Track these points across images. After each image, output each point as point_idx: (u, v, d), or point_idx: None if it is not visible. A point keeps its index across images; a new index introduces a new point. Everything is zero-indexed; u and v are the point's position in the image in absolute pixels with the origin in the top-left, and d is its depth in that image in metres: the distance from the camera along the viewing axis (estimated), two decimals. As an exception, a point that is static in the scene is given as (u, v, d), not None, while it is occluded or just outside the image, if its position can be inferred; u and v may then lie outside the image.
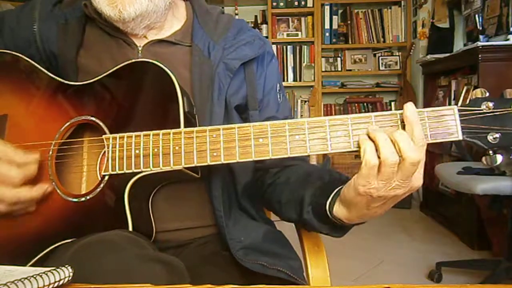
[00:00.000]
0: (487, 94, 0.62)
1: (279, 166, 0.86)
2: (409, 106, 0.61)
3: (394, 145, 0.58)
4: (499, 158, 0.61)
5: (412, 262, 2.47)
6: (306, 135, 0.64)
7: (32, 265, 0.71)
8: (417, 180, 0.61)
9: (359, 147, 0.61)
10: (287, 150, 0.64)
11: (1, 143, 0.70)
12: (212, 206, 0.80)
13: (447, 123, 0.62)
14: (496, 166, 0.62)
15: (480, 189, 1.84)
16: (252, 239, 0.81)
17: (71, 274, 0.47)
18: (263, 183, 0.87)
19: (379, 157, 0.58)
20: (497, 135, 0.61)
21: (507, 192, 1.83)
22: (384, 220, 3.18)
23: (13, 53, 0.81)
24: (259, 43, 0.86)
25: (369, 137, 0.60)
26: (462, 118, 0.61)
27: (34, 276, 0.43)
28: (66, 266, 0.47)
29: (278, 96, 0.90)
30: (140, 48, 0.83)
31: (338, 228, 0.72)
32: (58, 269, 0.46)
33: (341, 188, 0.67)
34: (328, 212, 0.68)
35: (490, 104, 0.61)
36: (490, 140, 0.61)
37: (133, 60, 0.75)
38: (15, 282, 0.41)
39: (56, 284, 0.45)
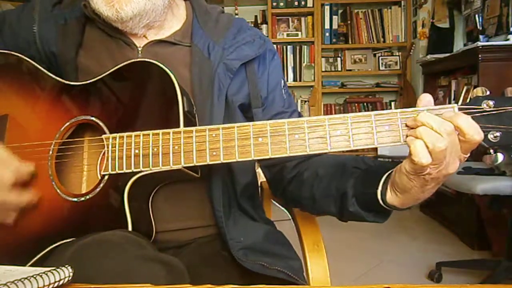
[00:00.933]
0: (488, 92, 0.61)
1: (296, 159, 0.84)
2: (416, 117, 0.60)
3: (433, 128, 0.58)
4: (500, 157, 0.61)
5: (412, 262, 2.47)
6: (306, 134, 0.64)
7: (32, 265, 0.71)
8: (462, 155, 0.61)
9: (408, 145, 0.60)
10: (287, 150, 0.64)
11: None
12: (212, 206, 0.80)
13: None
14: (497, 165, 0.62)
15: (480, 189, 1.84)
16: (252, 240, 0.81)
17: (71, 274, 0.47)
18: (282, 179, 0.86)
19: (428, 149, 0.57)
20: (498, 134, 0.61)
21: (507, 192, 1.83)
22: (384, 220, 3.18)
23: (14, 53, 0.81)
24: (260, 42, 0.85)
25: (417, 136, 0.59)
26: None
27: (34, 276, 0.43)
28: (66, 266, 0.47)
29: (283, 92, 0.90)
30: (140, 49, 0.83)
31: (384, 212, 0.71)
32: (58, 269, 0.46)
33: (388, 175, 0.67)
34: (381, 201, 0.67)
35: (491, 103, 0.61)
36: (490, 139, 0.61)
37: (133, 60, 0.75)
38: (15, 282, 0.41)
39: (56, 284, 0.45)
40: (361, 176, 0.72)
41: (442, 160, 0.58)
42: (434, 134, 0.58)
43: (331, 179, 0.76)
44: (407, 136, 0.61)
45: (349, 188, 0.72)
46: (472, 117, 0.60)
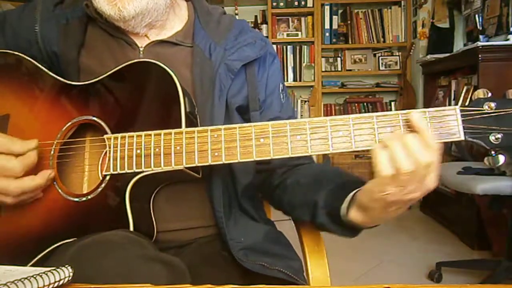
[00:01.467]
0: (489, 94, 0.62)
1: (285, 166, 0.86)
2: (414, 115, 0.61)
3: (407, 149, 0.58)
4: (501, 159, 0.61)
5: (412, 262, 2.47)
6: (308, 135, 0.64)
7: (32, 265, 0.70)
8: (432, 182, 0.61)
9: (372, 157, 0.60)
10: (288, 150, 0.64)
11: None
12: (212, 206, 0.80)
13: (449, 123, 0.62)
14: (499, 167, 0.62)
15: (480, 189, 1.84)
16: (252, 240, 0.81)
17: (71, 274, 0.47)
18: (270, 184, 0.87)
19: (393, 166, 0.58)
20: (499, 136, 0.61)
21: (507, 192, 1.83)
22: (384, 220, 3.18)
23: (15, 53, 0.81)
24: (261, 44, 0.86)
25: (383, 146, 0.60)
26: (464, 118, 0.61)
27: (34, 276, 0.43)
28: (66, 266, 0.47)
29: (281, 96, 0.90)
30: (141, 49, 0.83)
31: (353, 229, 0.72)
32: (58, 269, 0.46)
33: (355, 192, 0.67)
34: (342, 216, 0.69)
35: (492, 105, 0.61)
36: (492, 141, 0.61)
37: (135, 60, 0.75)
38: (15, 282, 0.41)
39: (56, 284, 0.45)
40: (334, 189, 0.73)
41: (406, 183, 0.58)
42: (404, 155, 0.58)
43: (308, 189, 0.78)
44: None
45: (320, 200, 0.73)
46: (474, 119, 0.60)
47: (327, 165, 0.83)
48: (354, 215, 0.67)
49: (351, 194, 0.68)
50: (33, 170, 0.71)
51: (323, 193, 0.74)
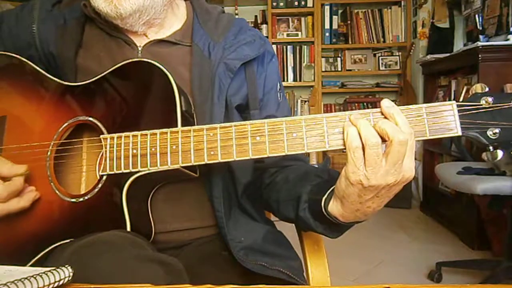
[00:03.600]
0: (487, 89, 0.61)
1: (278, 166, 0.86)
2: (385, 102, 0.61)
3: (379, 131, 0.58)
4: (500, 154, 0.61)
5: (412, 262, 2.47)
6: (304, 133, 0.63)
7: (31, 265, 0.70)
8: (409, 169, 0.60)
9: (342, 133, 0.61)
10: (285, 148, 0.64)
11: None
12: (212, 206, 0.80)
13: (446, 118, 0.61)
14: (497, 162, 0.61)
15: (480, 189, 1.84)
16: (252, 240, 0.81)
17: (71, 274, 0.47)
18: (261, 183, 0.87)
19: (361, 140, 0.58)
20: (497, 130, 0.60)
21: (507, 192, 1.83)
22: (384, 220, 3.18)
23: (12, 54, 0.81)
24: (260, 42, 0.85)
25: (352, 123, 0.60)
26: (461, 113, 0.61)
27: (34, 276, 0.43)
28: (66, 266, 0.47)
29: (278, 96, 0.90)
30: (140, 48, 0.83)
31: (334, 228, 0.71)
32: (58, 269, 0.46)
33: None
34: (323, 209, 0.67)
35: (490, 99, 0.60)
36: (490, 136, 0.61)
37: (131, 60, 0.74)
38: (15, 282, 0.41)
39: (56, 284, 0.45)
40: (319, 184, 0.72)
41: (377, 162, 0.58)
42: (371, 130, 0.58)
43: (294, 184, 0.77)
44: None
45: (304, 193, 0.73)
46: (471, 114, 0.60)
47: (319, 166, 0.82)
48: (333, 206, 0.66)
49: (333, 187, 0.67)
50: (28, 176, 0.71)
51: (307, 188, 0.73)
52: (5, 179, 0.70)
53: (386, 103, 0.61)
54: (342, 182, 0.62)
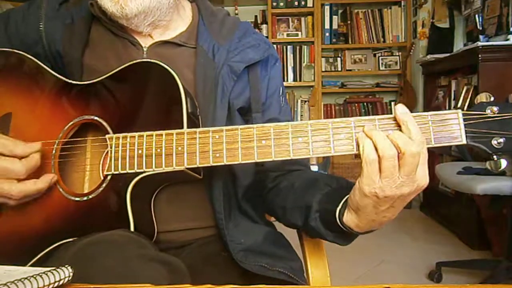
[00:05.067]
0: (492, 98, 0.62)
1: (280, 170, 0.85)
2: (399, 108, 0.61)
3: (392, 143, 0.58)
4: (504, 163, 0.61)
5: (412, 262, 2.47)
6: (309, 137, 0.64)
7: (32, 264, 0.71)
8: (422, 178, 0.60)
9: (357, 145, 0.61)
10: (290, 152, 0.64)
11: (0, 137, 0.70)
12: (212, 208, 0.80)
13: (451, 127, 0.61)
14: (501, 171, 0.62)
15: (480, 189, 1.84)
16: (252, 241, 0.81)
17: (71, 274, 0.47)
18: (264, 187, 0.87)
19: (377, 152, 0.58)
20: (501, 140, 0.61)
21: (507, 192, 1.83)
22: (384, 220, 3.18)
23: (18, 52, 0.81)
24: (264, 47, 0.86)
25: (367, 135, 0.61)
26: (466, 122, 0.61)
27: (34, 276, 0.43)
28: (66, 266, 0.47)
29: (281, 99, 0.90)
30: (145, 49, 0.83)
31: (346, 236, 0.71)
32: (58, 269, 0.46)
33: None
34: (338, 220, 0.67)
35: (495, 109, 0.60)
36: (494, 145, 0.61)
37: (138, 60, 0.75)
38: (15, 282, 0.41)
39: (56, 284, 0.45)
40: (329, 193, 0.72)
41: (393, 173, 0.58)
42: (388, 142, 0.58)
43: (302, 192, 0.77)
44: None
45: (315, 203, 0.72)
46: (476, 123, 0.60)
47: (322, 172, 0.82)
48: (347, 218, 0.66)
49: (346, 197, 0.67)
50: (36, 172, 0.71)
51: (317, 197, 0.73)
52: (22, 158, 0.70)
53: (401, 109, 0.61)
54: (356, 194, 0.62)
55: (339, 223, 0.67)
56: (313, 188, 0.75)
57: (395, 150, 0.58)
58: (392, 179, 0.58)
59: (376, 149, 0.59)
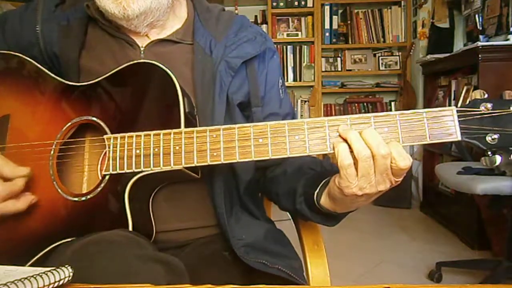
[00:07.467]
0: (486, 95, 0.62)
1: (279, 161, 0.86)
2: (339, 128, 0.62)
3: (366, 143, 0.60)
4: (498, 159, 0.62)
5: (412, 262, 2.47)
6: (306, 136, 0.64)
7: (32, 264, 0.71)
8: (398, 174, 0.62)
9: (333, 149, 0.62)
10: (287, 150, 0.65)
11: None
12: (213, 204, 0.80)
13: (446, 123, 0.62)
14: (496, 167, 0.62)
15: (480, 189, 1.84)
16: (253, 238, 0.82)
17: (71, 274, 0.47)
18: (265, 177, 0.88)
19: (352, 154, 0.60)
20: (496, 136, 0.61)
21: (507, 192, 1.83)
22: (384, 220, 3.18)
23: (16, 54, 0.82)
24: (261, 39, 0.86)
25: (341, 137, 0.62)
26: (461, 119, 0.62)
27: (34, 276, 0.43)
28: (66, 266, 0.47)
29: (280, 92, 0.90)
30: (142, 48, 0.83)
31: (331, 217, 0.74)
32: (58, 269, 0.46)
33: (328, 179, 0.68)
34: (315, 203, 0.70)
35: (489, 105, 0.61)
36: (488, 141, 0.62)
37: (135, 61, 0.75)
38: (15, 282, 0.41)
39: (56, 284, 0.45)
40: (312, 177, 0.75)
41: (369, 172, 0.60)
42: (363, 145, 0.60)
43: (291, 177, 0.80)
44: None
45: (299, 187, 0.75)
46: (470, 119, 0.61)
47: (315, 157, 0.84)
48: (324, 201, 0.69)
49: (324, 180, 0.70)
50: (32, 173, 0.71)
51: (302, 182, 0.75)
52: (7, 179, 0.70)
53: (340, 129, 0.62)
54: (335, 190, 0.64)
55: (317, 205, 0.70)
56: (299, 173, 0.78)
57: (369, 150, 0.60)
58: (368, 179, 0.61)
59: (351, 151, 0.60)
